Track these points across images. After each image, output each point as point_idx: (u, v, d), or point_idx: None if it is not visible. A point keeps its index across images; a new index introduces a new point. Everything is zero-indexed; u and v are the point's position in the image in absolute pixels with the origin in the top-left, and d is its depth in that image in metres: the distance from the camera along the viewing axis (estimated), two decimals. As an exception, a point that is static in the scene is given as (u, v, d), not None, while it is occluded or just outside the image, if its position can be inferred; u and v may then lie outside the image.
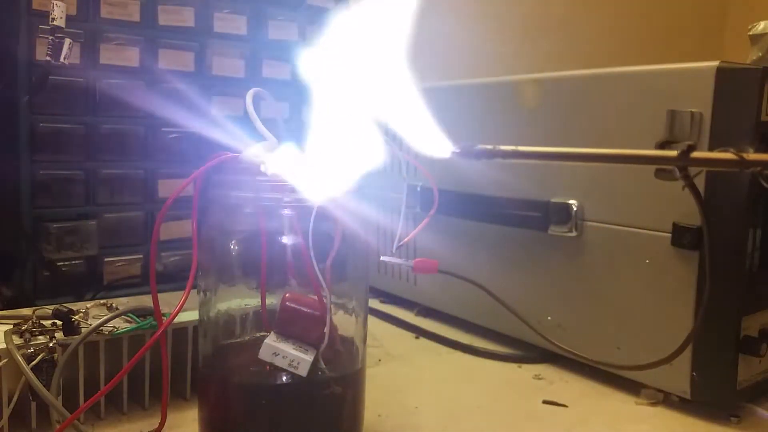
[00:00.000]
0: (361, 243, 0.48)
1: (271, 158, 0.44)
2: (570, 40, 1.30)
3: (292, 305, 0.46)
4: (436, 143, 0.39)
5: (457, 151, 0.38)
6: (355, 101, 0.38)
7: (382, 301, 0.92)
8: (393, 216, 0.44)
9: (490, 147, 0.38)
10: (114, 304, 0.59)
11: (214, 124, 0.50)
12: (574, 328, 0.68)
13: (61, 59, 0.62)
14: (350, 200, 0.43)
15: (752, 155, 0.37)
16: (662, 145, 0.41)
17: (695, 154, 0.37)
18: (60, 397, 0.50)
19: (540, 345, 0.71)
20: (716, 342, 0.57)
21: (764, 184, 0.39)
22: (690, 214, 0.57)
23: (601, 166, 0.65)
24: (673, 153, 0.38)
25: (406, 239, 0.48)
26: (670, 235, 0.59)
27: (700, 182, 0.57)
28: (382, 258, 0.50)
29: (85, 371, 0.52)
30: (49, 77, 0.65)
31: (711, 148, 0.56)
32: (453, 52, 1.12)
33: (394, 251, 0.50)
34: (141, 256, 0.75)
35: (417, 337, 0.80)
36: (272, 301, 0.48)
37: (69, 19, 0.63)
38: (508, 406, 0.61)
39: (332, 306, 0.45)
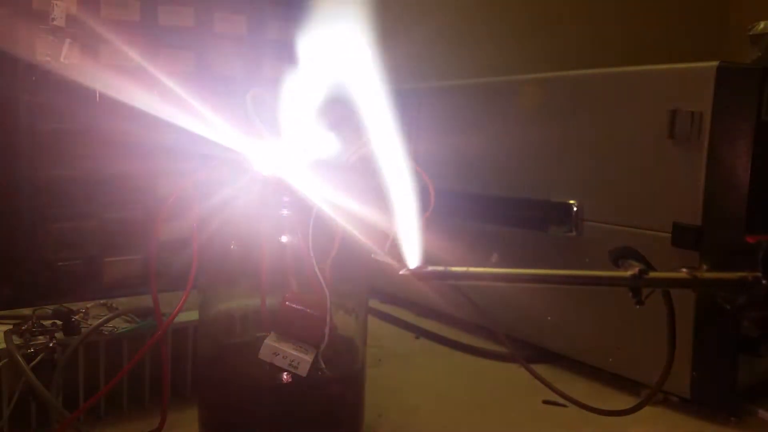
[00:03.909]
0: (361, 243, 0.47)
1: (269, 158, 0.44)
2: (569, 40, 1.30)
3: (292, 305, 0.46)
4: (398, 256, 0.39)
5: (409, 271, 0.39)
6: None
7: (382, 301, 0.92)
8: (392, 216, 0.44)
9: (441, 269, 0.40)
10: (114, 304, 0.59)
11: (213, 124, 0.50)
12: (574, 328, 0.68)
13: (61, 59, 0.62)
14: (349, 200, 0.43)
15: (706, 274, 0.37)
16: (615, 261, 0.41)
17: (650, 275, 0.37)
18: (60, 397, 0.50)
19: (540, 345, 0.71)
20: (716, 342, 0.57)
21: (723, 305, 0.39)
22: (690, 214, 0.57)
23: (601, 166, 0.65)
24: (626, 273, 0.38)
25: (398, 239, 0.48)
26: (670, 235, 0.59)
27: (699, 180, 0.57)
28: (372, 255, 0.50)
29: (85, 371, 0.52)
30: (49, 77, 0.65)
31: (711, 148, 0.56)
32: (453, 52, 1.12)
33: (386, 251, 0.50)
34: (141, 256, 0.75)
35: (417, 337, 0.80)
36: (272, 301, 0.48)
37: (69, 19, 0.63)
38: (508, 406, 0.61)
39: (332, 306, 0.45)
